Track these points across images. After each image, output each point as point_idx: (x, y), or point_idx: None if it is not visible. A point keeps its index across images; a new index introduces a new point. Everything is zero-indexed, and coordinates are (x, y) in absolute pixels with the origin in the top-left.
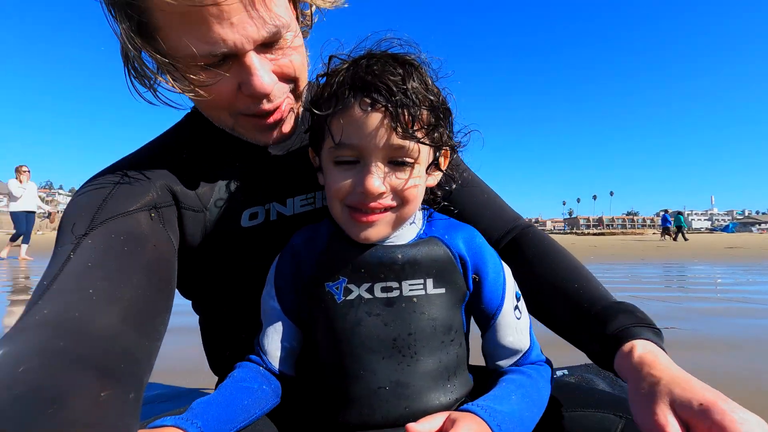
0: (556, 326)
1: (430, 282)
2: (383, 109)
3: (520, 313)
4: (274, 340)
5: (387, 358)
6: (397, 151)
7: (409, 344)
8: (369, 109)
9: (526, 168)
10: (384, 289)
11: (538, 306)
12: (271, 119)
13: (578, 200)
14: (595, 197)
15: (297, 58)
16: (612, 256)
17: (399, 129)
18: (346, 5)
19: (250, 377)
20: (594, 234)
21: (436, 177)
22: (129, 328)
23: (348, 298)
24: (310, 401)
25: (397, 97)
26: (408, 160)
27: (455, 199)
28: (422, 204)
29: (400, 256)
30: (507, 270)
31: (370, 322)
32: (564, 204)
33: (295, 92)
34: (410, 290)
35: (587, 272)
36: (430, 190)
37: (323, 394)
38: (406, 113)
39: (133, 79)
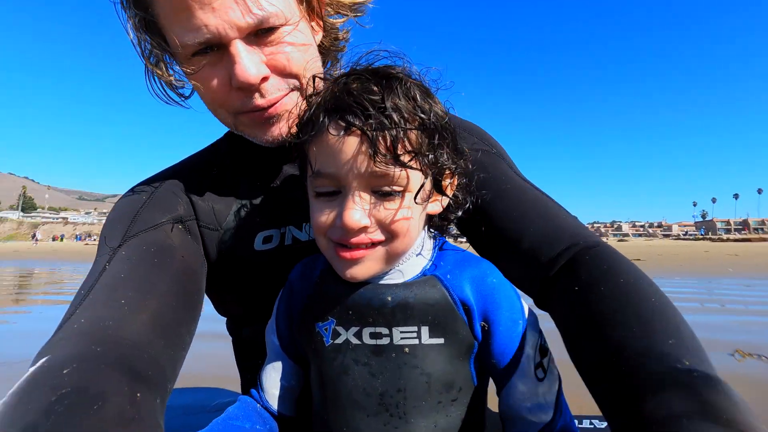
0: (589, 388)
1: (425, 330)
2: (359, 132)
3: (544, 372)
4: (271, 377)
5: (372, 416)
6: (380, 179)
7: (398, 402)
8: (342, 133)
9: (647, 164)
10: (373, 335)
11: (572, 355)
12: (266, 114)
13: (713, 200)
14: (736, 196)
15: (296, 52)
16: (757, 267)
17: (378, 155)
18: (364, 16)
19: (244, 415)
20: (736, 240)
21: (440, 202)
22: (155, 338)
23: (336, 341)
24: None
25: (372, 120)
26: (395, 189)
27: (490, 213)
28: (433, 230)
29: (389, 299)
30: (529, 317)
31: (357, 372)
32: (695, 205)
33: (301, 90)
34: (402, 338)
35: (662, 315)
36: (440, 217)
37: None
38: (387, 136)
39: (149, 74)
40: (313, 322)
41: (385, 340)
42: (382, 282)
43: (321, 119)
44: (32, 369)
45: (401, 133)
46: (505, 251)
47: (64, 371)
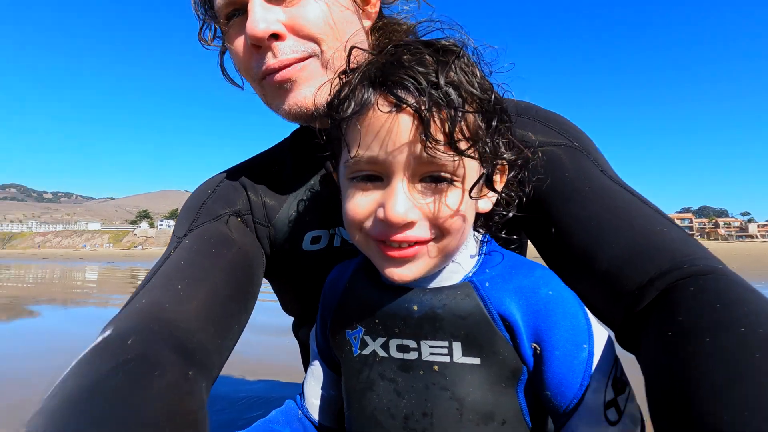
0: None
1: (457, 346)
2: (412, 110)
3: (618, 414)
4: (312, 385)
5: None
6: (431, 165)
7: (424, 428)
8: (393, 110)
9: None
10: (400, 348)
11: (654, 427)
12: (278, 77)
13: None
14: None
15: (318, 15)
16: None
17: (434, 136)
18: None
19: (285, 420)
20: None
21: (490, 200)
22: (206, 324)
23: (363, 352)
24: None
25: (426, 95)
26: (447, 176)
27: (561, 221)
28: (481, 231)
29: (415, 308)
30: (599, 340)
31: (382, 388)
32: None
33: (322, 57)
34: (431, 354)
35: None
36: (487, 216)
37: None
38: (443, 117)
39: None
40: (344, 330)
41: (413, 355)
42: (411, 286)
43: (364, 93)
44: (99, 338)
45: (459, 114)
46: (576, 272)
47: (128, 341)
